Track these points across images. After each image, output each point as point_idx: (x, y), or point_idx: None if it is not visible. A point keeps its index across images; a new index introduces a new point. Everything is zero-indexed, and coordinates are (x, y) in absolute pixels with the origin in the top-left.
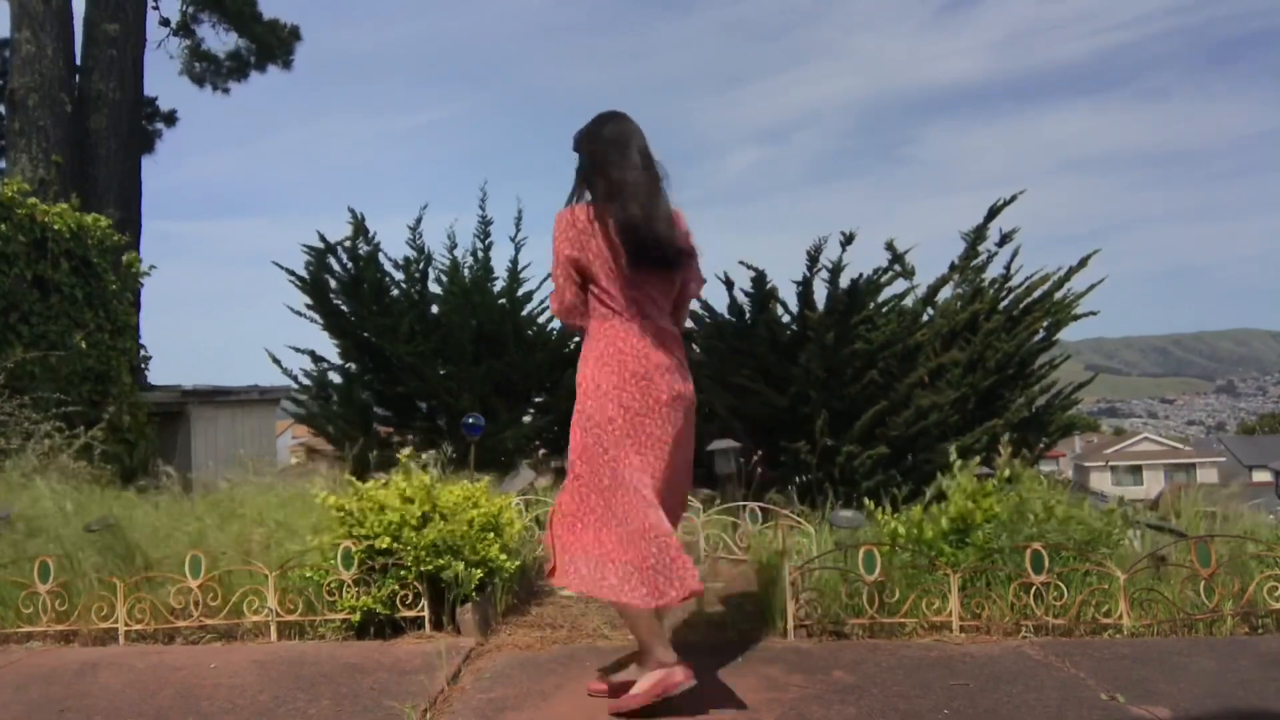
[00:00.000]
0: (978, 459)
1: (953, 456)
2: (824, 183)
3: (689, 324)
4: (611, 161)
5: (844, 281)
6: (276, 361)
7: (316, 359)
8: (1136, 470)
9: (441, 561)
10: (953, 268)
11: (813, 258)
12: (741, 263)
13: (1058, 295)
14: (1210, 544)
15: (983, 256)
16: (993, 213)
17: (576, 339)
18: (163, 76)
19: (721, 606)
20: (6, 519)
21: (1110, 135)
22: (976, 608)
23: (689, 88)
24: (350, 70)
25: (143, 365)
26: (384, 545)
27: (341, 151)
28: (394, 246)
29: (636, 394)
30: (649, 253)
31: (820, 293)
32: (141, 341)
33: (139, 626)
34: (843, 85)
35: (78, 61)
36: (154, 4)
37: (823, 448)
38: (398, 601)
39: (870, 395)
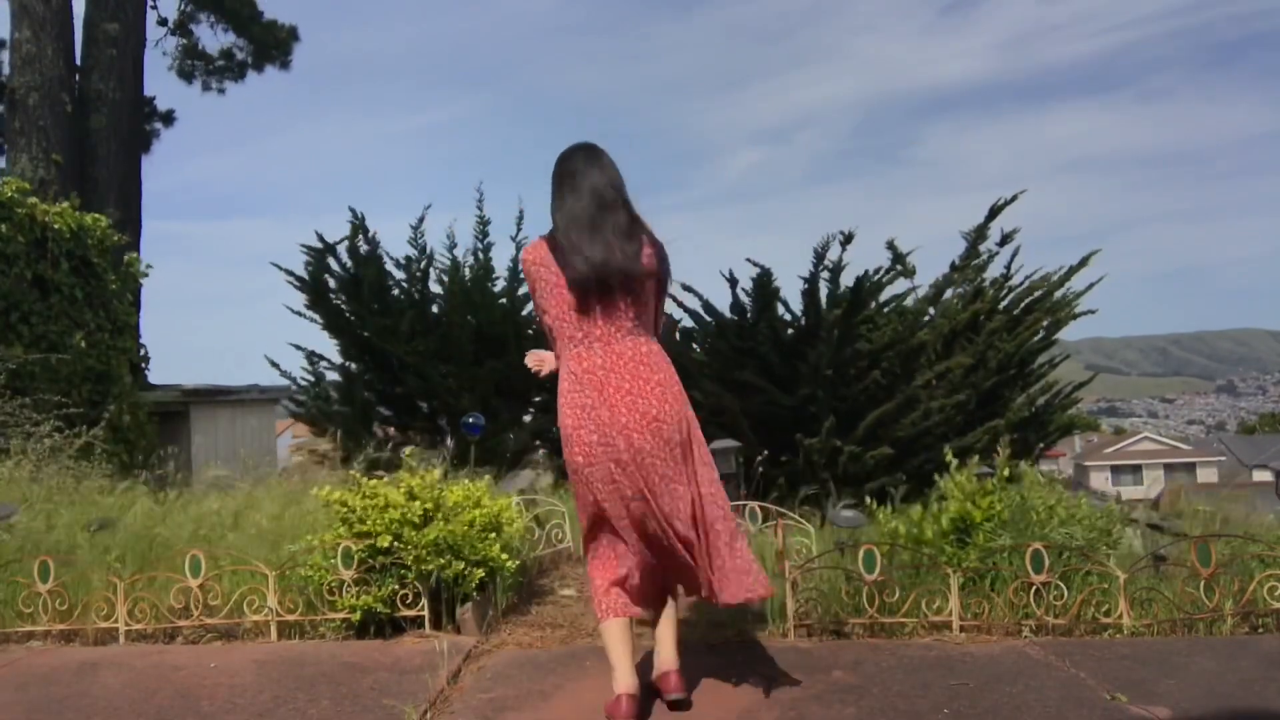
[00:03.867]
0: (977, 459)
1: (949, 458)
2: (826, 183)
3: (691, 324)
4: (558, 195)
5: (846, 281)
6: (275, 365)
7: (316, 359)
8: (1136, 470)
9: (442, 561)
10: (954, 267)
11: (819, 256)
12: (748, 260)
13: (1058, 295)
14: (1210, 544)
15: (984, 256)
16: (994, 212)
17: None
18: (162, 76)
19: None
20: (8, 517)
21: (1111, 136)
22: (977, 607)
23: (690, 89)
24: (352, 72)
25: (143, 365)
26: (385, 544)
27: (343, 152)
28: (395, 246)
29: (593, 429)
30: (587, 280)
31: (823, 292)
32: (141, 341)
33: (139, 626)
34: (844, 86)
35: (78, 61)
36: (153, 4)
37: (826, 448)
38: (398, 601)
39: (873, 395)
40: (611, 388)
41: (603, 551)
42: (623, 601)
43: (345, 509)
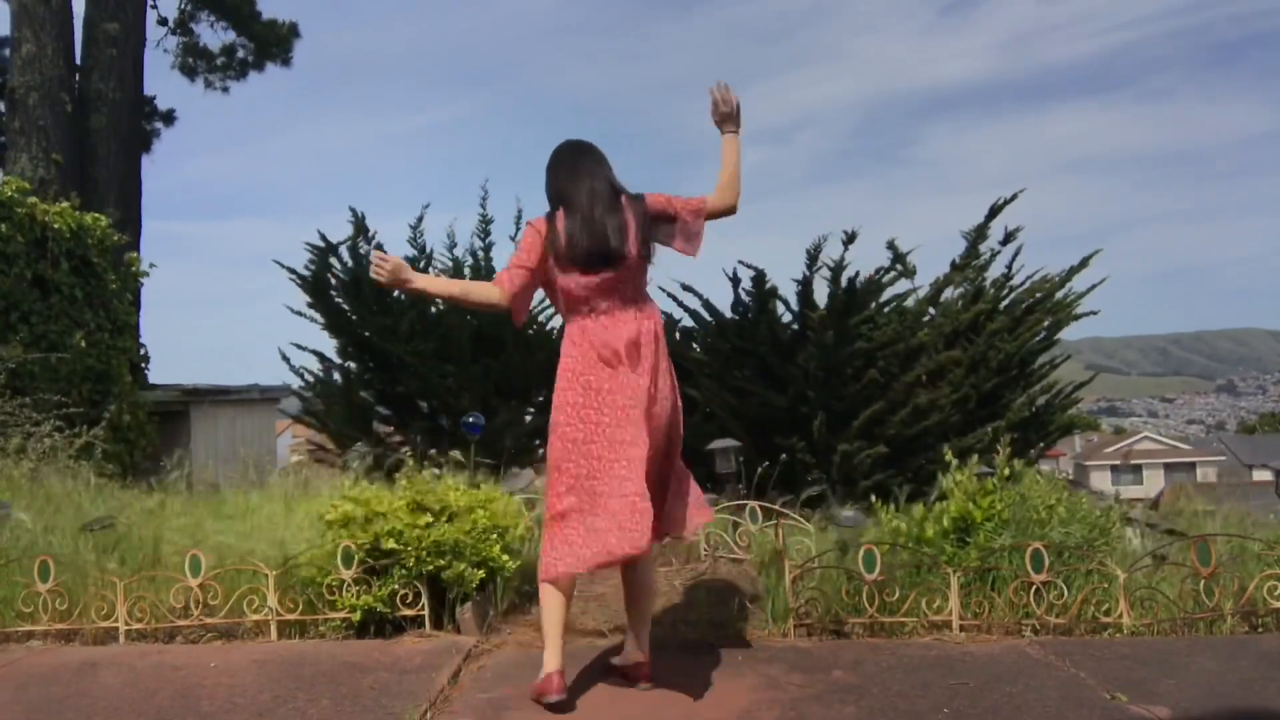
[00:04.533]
0: (976, 458)
1: (949, 457)
2: (826, 183)
3: (691, 324)
4: (558, 178)
5: (844, 281)
6: (286, 359)
7: (322, 359)
8: (1136, 469)
9: (443, 561)
10: (954, 266)
11: (812, 256)
12: (741, 262)
13: (1059, 295)
14: (1210, 543)
15: (985, 256)
16: (994, 212)
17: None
18: (162, 76)
19: (722, 605)
20: (7, 514)
21: (1112, 135)
22: (977, 606)
23: (690, 89)
24: (352, 72)
25: (143, 365)
26: (389, 546)
27: (343, 152)
28: (395, 246)
29: (581, 393)
30: (593, 256)
31: (821, 291)
32: (141, 341)
33: (139, 626)
34: (845, 86)
35: (78, 61)
36: (153, 3)
37: (821, 447)
38: (398, 600)
39: (870, 395)
40: (610, 358)
41: (569, 509)
42: (573, 559)
43: (349, 521)
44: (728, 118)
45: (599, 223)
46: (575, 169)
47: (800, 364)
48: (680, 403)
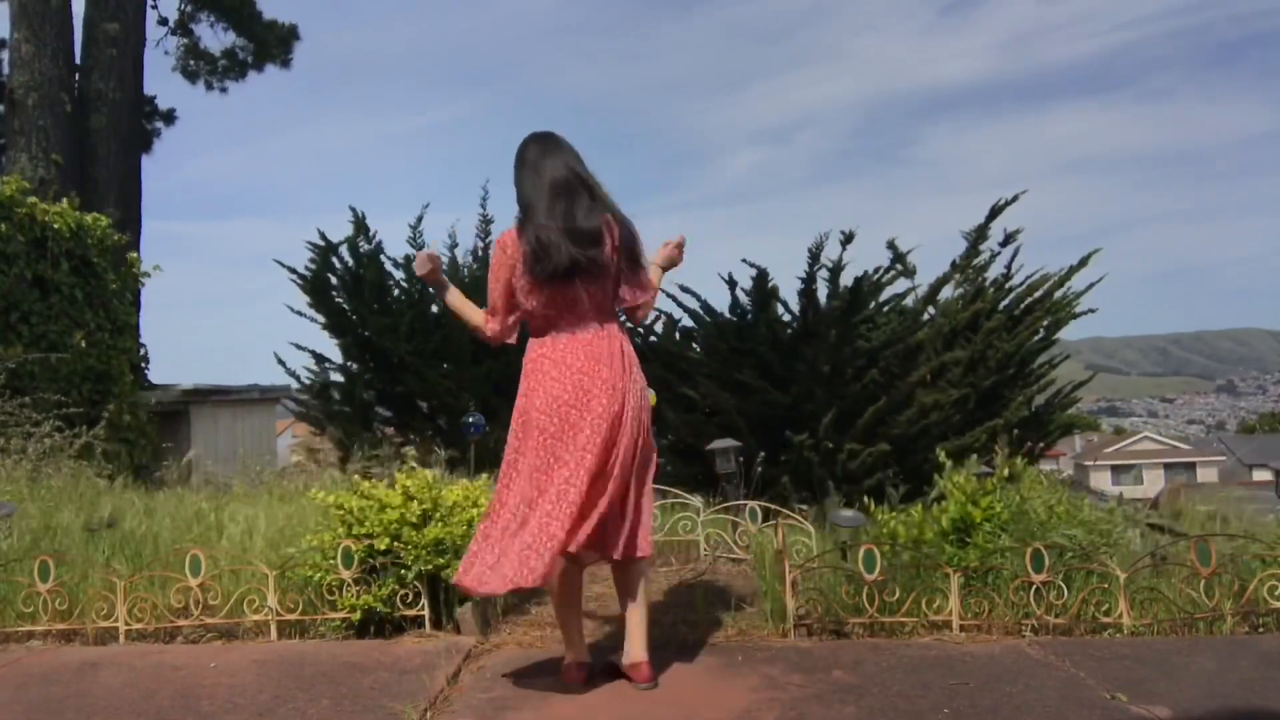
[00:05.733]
0: (975, 458)
1: (942, 458)
2: (826, 183)
3: (690, 323)
4: (524, 182)
5: (845, 280)
6: (281, 363)
7: (319, 359)
8: (1136, 469)
9: (442, 561)
10: (954, 266)
11: (814, 255)
12: (744, 260)
13: (1058, 294)
14: (1210, 543)
15: (984, 256)
16: (994, 212)
17: None
18: (162, 76)
19: (722, 605)
20: (8, 515)
21: (1112, 136)
22: (977, 607)
23: (690, 89)
24: (352, 72)
25: (143, 365)
26: (383, 546)
27: (343, 152)
28: (395, 246)
29: (551, 409)
30: (554, 267)
31: (821, 291)
32: (141, 341)
33: (139, 626)
34: (845, 86)
35: (77, 61)
36: (153, 3)
37: (823, 446)
38: (398, 600)
39: (871, 394)
40: (570, 377)
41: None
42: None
43: (343, 511)
44: (671, 264)
45: (566, 230)
46: (539, 168)
47: (807, 360)
48: (650, 422)
